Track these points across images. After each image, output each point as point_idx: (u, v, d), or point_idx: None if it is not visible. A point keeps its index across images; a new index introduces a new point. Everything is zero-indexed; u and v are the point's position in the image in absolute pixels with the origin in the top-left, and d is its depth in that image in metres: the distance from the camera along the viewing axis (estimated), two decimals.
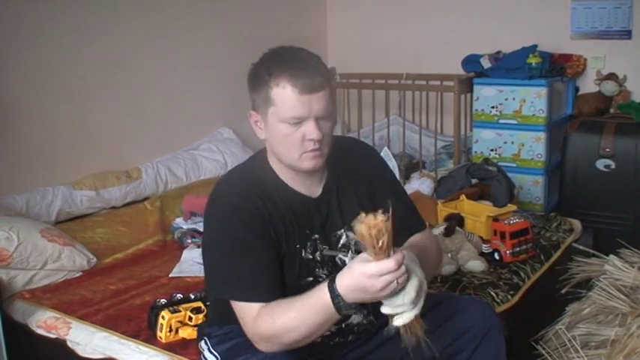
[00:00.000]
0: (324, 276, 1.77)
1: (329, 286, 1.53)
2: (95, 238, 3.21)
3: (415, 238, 1.88)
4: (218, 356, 1.83)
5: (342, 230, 1.82)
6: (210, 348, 1.87)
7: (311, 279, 1.76)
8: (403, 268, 1.47)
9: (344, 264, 1.80)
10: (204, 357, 1.88)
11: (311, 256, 1.77)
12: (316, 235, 1.77)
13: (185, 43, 4.05)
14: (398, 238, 1.89)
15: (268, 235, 1.69)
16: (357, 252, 1.80)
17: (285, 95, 1.64)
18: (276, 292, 1.67)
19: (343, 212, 1.82)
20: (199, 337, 1.98)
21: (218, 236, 1.72)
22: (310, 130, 1.66)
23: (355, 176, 1.86)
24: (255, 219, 1.68)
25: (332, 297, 1.52)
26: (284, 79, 1.63)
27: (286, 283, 1.72)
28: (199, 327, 2.08)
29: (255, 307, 1.64)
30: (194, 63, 4.09)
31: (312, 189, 1.80)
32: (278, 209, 1.73)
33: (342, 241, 1.82)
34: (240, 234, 1.67)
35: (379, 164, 1.96)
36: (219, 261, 1.73)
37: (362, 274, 1.46)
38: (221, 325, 1.85)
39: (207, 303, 2.26)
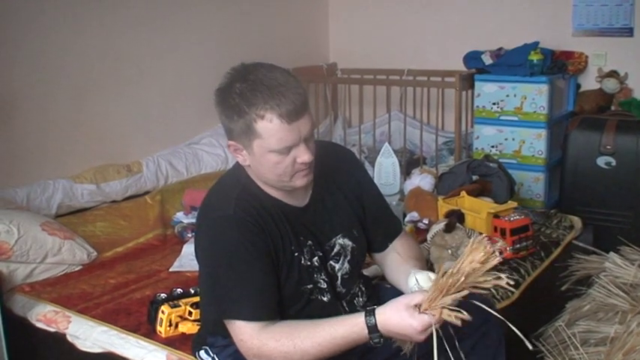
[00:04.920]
0: (322, 281, 1.77)
1: (367, 321, 1.54)
2: (95, 231, 3.21)
3: (403, 248, 1.91)
4: None
5: (334, 239, 1.81)
6: (216, 357, 1.85)
7: (311, 285, 1.75)
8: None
9: (333, 270, 1.81)
10: None
11: (309, 263, 1.75)
12: (310, 242, 1.76)
13: (187, 35, 4.04)
14: (383, 243, 1.93)
15: (265, 246, 1.66)
16: (351, 261, 1.83)
17: (272, 128, 1.57)
18: (276, 309, 1.66)
19: (332, 219, 1.81)
20: (197, 347, 1.93)
21: (214, 251, 1.67)
22: (301, 154, 1.62)
23: (340, 181, 1.85)
24: (251, 229, 1.64)
25: (370, 331, 1.54)
26: (268, 111, 1.55)
27: (286, 290, 1.71)
28: (195, 336, 2.03)
29: (256, 325, 1.61)
30: (196, 56, 4.08)
31: (299, 199, 1.77)
32: (272, 217, 1.70)
33: (335, 250, 1.81)
34: (238, 247, 1.63)
35: (360, 167, 1.97)
36: (217, 279, 1.67)
37: (412, 328, 1.49)
38: (225, 336, 1.76)
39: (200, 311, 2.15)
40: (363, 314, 1.56)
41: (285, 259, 1.70)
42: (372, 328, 1.54)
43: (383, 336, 1.55)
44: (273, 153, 1.61)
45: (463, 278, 1.45)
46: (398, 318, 1.51)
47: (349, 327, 1.56)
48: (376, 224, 1.91)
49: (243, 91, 1.58)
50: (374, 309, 1.56)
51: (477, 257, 1.45)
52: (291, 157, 1.62)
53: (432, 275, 1.60)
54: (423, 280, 1.62)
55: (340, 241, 1.81)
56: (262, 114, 1.56)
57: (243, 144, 1.65)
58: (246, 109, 1.57)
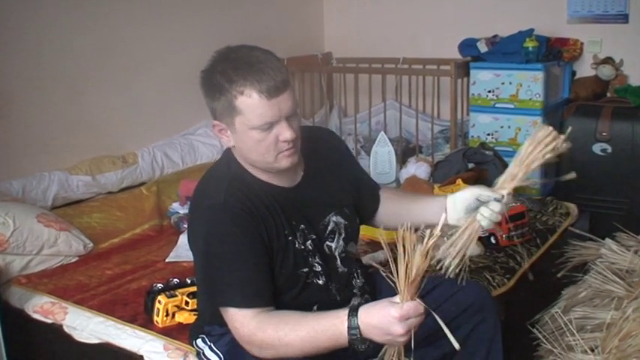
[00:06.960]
0: (316, 265, 1.77)
1: (349, 317, 1.52)
2: (91, 223, 3.21)
3: (391, 192, 2.03)
4: (221, 355, 1.82)
5: (328, 217, 1.82)
6: (212, 346, 1.85)
7: (306, 269, 1.76)
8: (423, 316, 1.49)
9: (331, 251, 1.82)
10: (205, 356, 1.86)
11: (303, 246, 1.75)
12: (303, 225, 1.76)
13: (181, 26, 4.02)
14: (373, 207, 1.99)
15: (258, 233, 1.66)
16: (345, 239, 1.84)
17: (252, 103, 1.59)
18: (271, 296, 1.67)
19: (324, 198, 1.82)
20: (194, 336, 1.94)
21: (206, 240, 1.67)
22: (283, 131, 1.63)
23: (329, 161, 1.88)
24: (243, 217, 1.65)
25: (349, 328, 1.51)
26: (248, 87, 1.58)
27: (282, 274, 1.71)
28: (192, 325, 2.04)
29: (249, 312, 1.62)
30: (190, 47, 4.05)
31: (290, 180, 1.78)
32: (264, 203, 1.70)
33: (329, 228, 1.82)
34: (230, 235, 1.63)
35: (343, 146, 2.02)
36: (210, 267, 1.67)
37: (391, 316, 1.46)
38: (222, 325, 1.76)
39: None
40: (347, 309, 1.55)
41: (279, 245, 1.70)
42: (352, 322, 1.51)
43: (362, 334, 1.51)
44: (255, 130, 1.62)
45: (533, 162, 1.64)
46: (378, 308, 1.50)
47: (331, 319, 1.55)
48: (364, 195, 1.96)
49: (225, 70, 1.62)
50: (358, 306, 1.55)
51: (546, 141, 1.61)
52: (274, 135, 1.64)
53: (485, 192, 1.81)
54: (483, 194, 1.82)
55: (334, 218, 1.83)
56: (242, 90, 1.59)
57: (226, 123, 1.67)
58: (227, 87, 1.60)
